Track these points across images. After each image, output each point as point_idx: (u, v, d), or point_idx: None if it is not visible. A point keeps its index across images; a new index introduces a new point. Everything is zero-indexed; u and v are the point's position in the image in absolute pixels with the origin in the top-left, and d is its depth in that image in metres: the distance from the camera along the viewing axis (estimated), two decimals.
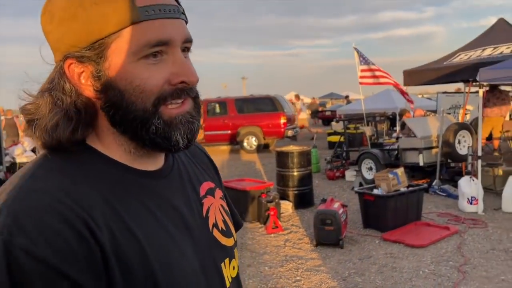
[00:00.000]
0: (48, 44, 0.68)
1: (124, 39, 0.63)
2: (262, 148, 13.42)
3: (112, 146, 0.69)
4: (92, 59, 0.65)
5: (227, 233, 0.83)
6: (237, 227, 0.95)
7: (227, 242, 0.82)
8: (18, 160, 9.16)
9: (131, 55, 0.64)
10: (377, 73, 9.04)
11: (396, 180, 5.37)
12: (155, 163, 0.74)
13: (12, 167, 9.16)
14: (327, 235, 4.72)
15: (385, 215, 5.16)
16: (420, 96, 20.18)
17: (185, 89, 0.67)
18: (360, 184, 7.24)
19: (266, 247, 4.89)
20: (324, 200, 5.17)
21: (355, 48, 9.25)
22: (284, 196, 6.38)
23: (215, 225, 0.81)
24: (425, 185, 5.97)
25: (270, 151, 12.93)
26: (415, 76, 9.20)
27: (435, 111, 11.59)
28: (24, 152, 9.38)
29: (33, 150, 9.54)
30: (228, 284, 0.79)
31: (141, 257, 0.63)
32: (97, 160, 0.68)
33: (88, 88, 0.66)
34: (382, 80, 9.10)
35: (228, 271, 0.80)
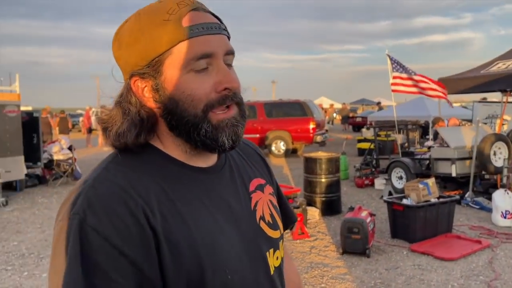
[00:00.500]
0: (118, 67, 0.81)
1: (175, 55, 0.74)
2: (290, 153, 13.40)
3: (171, 146, 0.80)
4: (151, 74, 0.76)
5: (273, 226, 0.90)
6: (290, 222, 1.05)
7: (273, 234, 0.89)
8: (55, 157, 9.49)
9: (182, 68, 0.74)
10: (410, 82, 8.87)
11: (426, 191, 5.26)
12: (208, 160, 0.84)
13: (50, 164, 9.52)
14: (354, 243, 4.67)
15: (414, 226, 5.07)
16: (455, 104, 19.66)
17: (229, 95, 0.76)
18: (390, 193, 7.13)
19: (292, 253, 4.89)
20: (352, 208, 5.13)
21: (388, 55, 9.12)
22: (311, 203, 6.36)
23: (262, 217, 0.88)
24: (457, 197, 5.83)
25: (298, 156, 12.90)
26: (450, 84, 8.98)
27: (470, 121, 11.26)
28: (61, 149, 9.71)
29: (70, 148, 9.87)
30: (272, 272, 0.86)
31: (189, 239, 0.73)
32: (158, 157, 0.79)
33: (149, 100, 0.78)
34: (414, 89, 8.91)
35: (272, 260, 0.87)
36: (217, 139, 0.76)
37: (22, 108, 9.37)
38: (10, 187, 8.56)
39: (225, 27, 0.80)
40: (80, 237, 0.66)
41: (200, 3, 0.79)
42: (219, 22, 0.79)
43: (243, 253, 0.80)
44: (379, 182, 8.28)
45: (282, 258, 0.92)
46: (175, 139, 0.79)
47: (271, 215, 0.91)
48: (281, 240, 0.93)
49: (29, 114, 9.77)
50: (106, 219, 0.67)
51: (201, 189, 0.80)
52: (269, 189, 0.95)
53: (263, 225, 0.87)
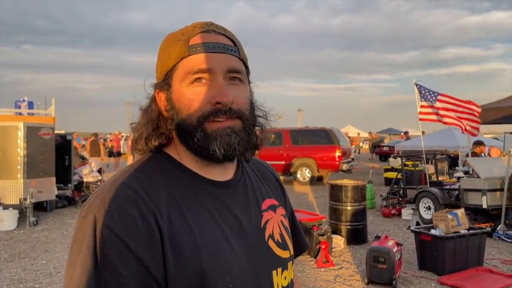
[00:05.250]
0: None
1: (178, 70, 0.83)
2: (316, 181, 13.31)
3: (184, 155, 0.86)
4: (165, 87, 0.85)
5: (282, 246, 0.91)
6: (302, 248, 1.07)
7: (282, 253, 0.90)
8: (85, 179, 9.74)
9: (181, 81, 0.82)
10: (438, 110, 8.76)
11: (456, 221, 5.12)
12: (223, 174, 0.88)
13: (79, 186, 9.76)
14: (380, 273, 4.57)
15: (443, 258, 4.92)
16: (487, 136, 19.21)
17: (222, 109, 0.80)
18: (417, 224, 6.96)
19: (316, 281, 4.81)
20: (378, 237, 5.04)
21: (416, 84, 9.07)
22: (336, 231, 6.28)
23: (271, 236, 0.90)
24: (489, 229, 5.64)
25: (324, 184, 12.79)
26: (480, 115, 8.83)
27: None
28: (91, 172, 9.96)
29: (99, 171, 10.12)
30: None
31: (193, 246, 0.76)
32: (172, 165, 0.85)
33: (164, 109, 0.86)
34: (444, 119, 8.78)
35: (280, 279, 0.88)
36: (208, 147, 0.80)
37: (56, 132, 9.71)
38: (41, 207, 8.81)
39: (235, 48, 0.85)
40: (95, 233, 0.72)
41: (216, 26, 0.86)
42: (226, 43, 0.84)
43: (247, 266, 0.82)
44: (407, 212, 8.10)
45: (291, 280, 0.93)
46: (187, 149, 0.84)
47: (281, 235, 0.92)
48: (291, 261, 0.93)
49: (62, 137, 10.10)
50: (118, 218, 0.73)
51: (212, 201, 0.83)
52: (281, 210, 0.97)
53: (271, 243, 0.89)
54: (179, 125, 0.82)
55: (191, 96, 0.81)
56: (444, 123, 8.97)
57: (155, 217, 0.75)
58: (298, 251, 1.05)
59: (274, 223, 0.92)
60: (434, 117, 8.85)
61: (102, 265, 0.70)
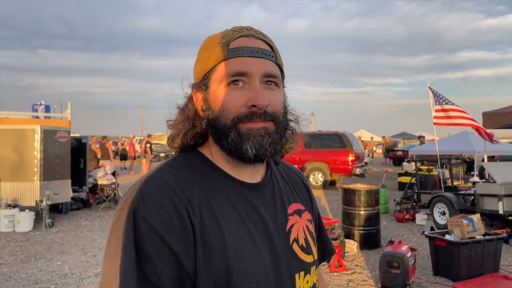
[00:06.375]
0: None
1: (217, 71, 0.85)
2: (328, 185, 13.25)
3: (217, 155, 0.89)
4: (203, 88, 0.88)
5: (306, 250, 0.93)
6: (328, 253, 1.08)
7: (305, 258, 0.92)
8: (99, 182, 9.85)
9: (219, 82, 0.84)
10: (453, 114, 8.67)
11: (471, 227, 5.06)
12: (252, 176, 0.90)
13: (94, 188, 9.87)
14: (393, 278, 4.53)
15: (457, 263, 4.85)
16: (504, 140, 18.91)
17: (258, 112, 0.82)
18: (431, 229, 6.89)
19: (329, 286, 4.77)
20: (391, 242, 5.00)
21: (430, 88, 9.00)
22: (349, 235, 6.25)
23: (296, 240, 0.91)
24: (505, 235, 5.55)
25: (336, 188, 12.73)
26: (495, 119, 8.72)
27: None
28: (105, 175, 10.07)
29: (113, 174, 10.22)
30: None
31: (220, 243, 0.78)
32: (204, 164, 0.88)
33: (201, 109, 0.88)
34: (458, 121, 8.69)
35: (302, 283, 0.90)
36: (241, 147, 0.82)
37: (71, 135, 9.84)
38: (56, 209, 8.94)
39: (273, 53, 0.88)
40: (132, 226, 0.75)
41: (255, 31, 0.89)
42: (264, 48, 0.87)
43: (270, 268, 0.83)
44: (421, 217, 8.02)
45: (314, 284, 0.93)
46: (220, 149, 0.86)
47: (306, 240, 0.93)
48: (314, 266, 0.94)
49: (78, 140, 10.24)
50: (154, 212, 0.76)
51: (240, 201, 0.85)
52: (307, 215, 0.98)
53: (295, 247, 0.90)
54: (214, 125, 0.84)
55: (228, 97, 0.83)
56: (461, 124, 8.87)
57: (188, 212, 0.77)
58: (323, 257, 1.06)
59: (299, 228, 0.93)
60: (449, 121, 8.77)
61: (139, 256, 0.73)
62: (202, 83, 0.87)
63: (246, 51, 0.84)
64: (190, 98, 0.91)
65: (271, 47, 0.89)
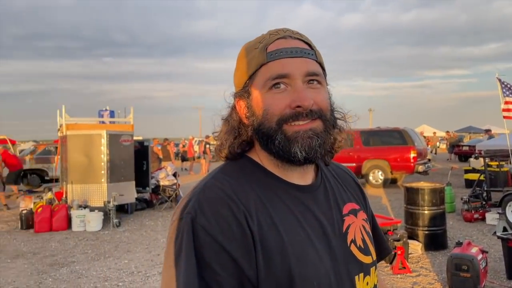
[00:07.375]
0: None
1: (258, 77, 0.84)
2: (389, 183, 12.83)
3: (265, 159, 0.88)
4: (245, 95, 0.87)
5: (364, 251, 0.90)
6: (384, 253, 1.05)
7: (364, 259, 0.89)
8: (161, 183, 10.24)
9: (261, 87, 0.83)
10: None
11: None
12: (303, 178, 0.89)
13: (156, 189, 10.27)
14: (463, 282, 4.28)
15: None
16: None
17: (303, 112, 0.81)
18: (504, 229, 6.44)
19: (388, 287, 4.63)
20: (459, 243, 4.73)
21: (498, 78, 8.43)
22: (412, 236, 6.00)
23: (353, 241, 0.89)
24: None
25: (398, 187, 12.30)
26: None
27: None
28: (167, 176, 10.44)
29: (174, 175, 10.57)
30: None
31: (281, 248, 0.77)
32: (256, 169, 0.87)
33: (245, 116, 0.87)
34: None
35: (362, 284, 0.87)
36: (289, 150, 0.81)
37: (134, 138, 10.30)
38: (122, 209, 9.40)
39: (312, 52, 0.86)
40: (193, 234, 0.75)
41: (292, 31, 0.87)
42: (302, 47, 0.85)
43: (331, 271, 0.81)
44: (491, 217, 7.52)
45: (375, 285, 0.91)
46: (268, 153, 0.85)
47: (363, 240, 0.91)
48: (373, 267, 0.91)
49: (140, 143, 10.71)
50: (213, 220, 0.75)
51: (295, 204, 0.84)
52: (362, 215, 0.96)
53: (353, 248, 0.88)
54: (259, 130, 0.84)
55: (271, 100, 0.82)
56: None
57: (246, 218, 0.77)
58: (380, 256, 1.03)
59: (356, 228, 0.91)
60: None
61: (199, 265, 0.73)
62: (244, 91, 0.87)
63: (285, 52, 0.83)
64: (233, 108, 0.90)
65: (309, 45, 0.87)
